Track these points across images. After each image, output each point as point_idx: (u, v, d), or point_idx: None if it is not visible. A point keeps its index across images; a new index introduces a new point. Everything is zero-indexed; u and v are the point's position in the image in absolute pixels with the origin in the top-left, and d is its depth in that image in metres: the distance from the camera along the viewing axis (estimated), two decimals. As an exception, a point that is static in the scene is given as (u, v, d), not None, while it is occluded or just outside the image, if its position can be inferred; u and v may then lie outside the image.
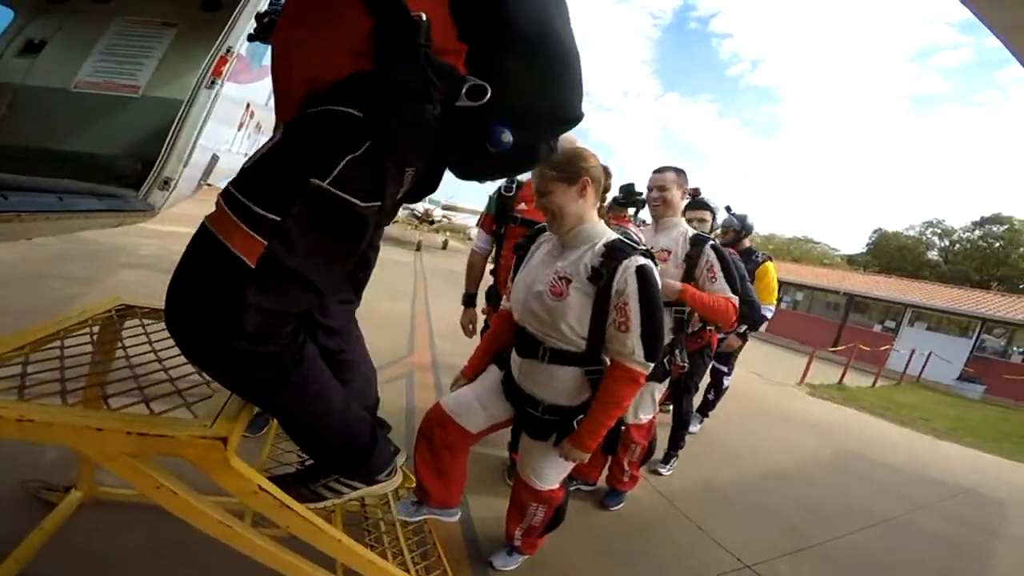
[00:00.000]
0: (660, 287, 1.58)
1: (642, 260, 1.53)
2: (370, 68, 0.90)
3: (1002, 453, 5.98)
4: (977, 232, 33.05)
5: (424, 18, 0.87)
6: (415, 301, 7.59)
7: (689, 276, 2.32)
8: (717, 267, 2.28)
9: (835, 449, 4.81)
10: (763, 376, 8.47)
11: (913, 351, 12.91)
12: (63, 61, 2.61)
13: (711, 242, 2.33)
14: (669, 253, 2.35)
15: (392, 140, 0.92)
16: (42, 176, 1.69)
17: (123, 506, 1.83)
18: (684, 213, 2.66)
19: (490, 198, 2.50)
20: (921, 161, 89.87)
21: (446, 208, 24.08)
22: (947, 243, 34.66)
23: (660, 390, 2.53)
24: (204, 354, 0.95)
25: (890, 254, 35.20)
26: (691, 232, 2.39)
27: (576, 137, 2.08)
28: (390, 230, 22.15)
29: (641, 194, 2.17)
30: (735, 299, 2.28)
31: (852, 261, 36.90)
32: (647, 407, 2.50)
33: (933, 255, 34.79)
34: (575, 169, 1.57)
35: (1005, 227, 31.63)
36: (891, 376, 12.17)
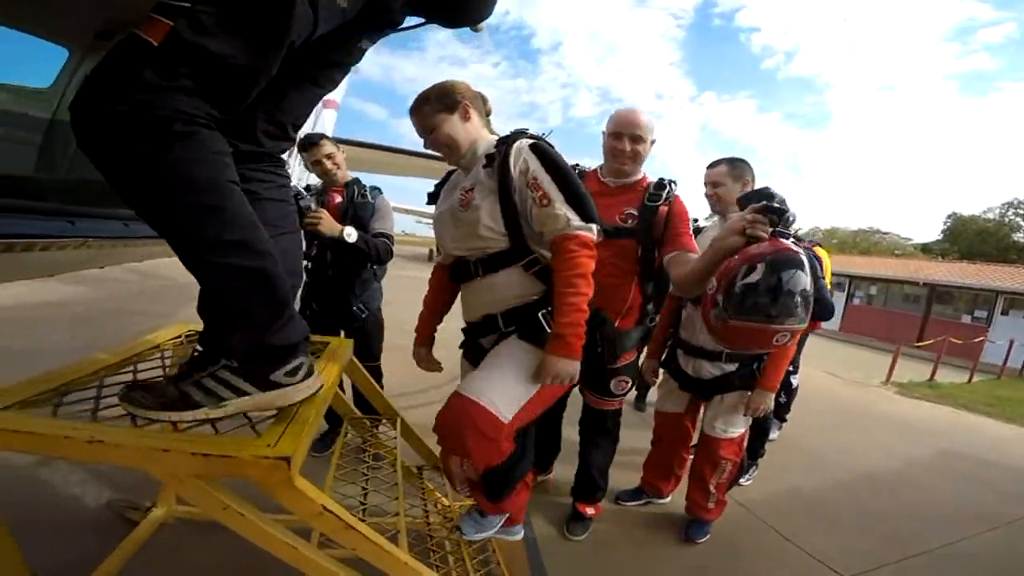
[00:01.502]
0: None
1: (531, 140, 1.47)
2: None
3: None
4: (1068, 212, 30.24)
5: None
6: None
7: None
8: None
9: (936, 450, 4.38)
10: (842, 377, 7.95)
11: (1012, 342, 11.75)
12: None
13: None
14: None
15: None
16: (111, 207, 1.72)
17: (201, 525, 1.88)
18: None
19: None
20: (987, 140, 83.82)
21: None
22: (1034, 224, 31.83)
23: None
24: (89, 129, 0.89)
25: (969, 239, 32.71)
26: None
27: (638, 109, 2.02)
28: (408, 249, 22.74)
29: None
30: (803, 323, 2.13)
31: (927, 250, 34.55)
32: (738, 420, 2.25)
33: (1019, 237, 32.08)
34: (451, 98, 1.49)
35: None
36: (988, 370, 11.06)
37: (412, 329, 1.93)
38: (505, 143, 1.46)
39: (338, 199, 2.61)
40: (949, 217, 35.93)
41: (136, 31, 0.87)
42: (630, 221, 1.94)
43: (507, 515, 1.66)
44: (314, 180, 2.82)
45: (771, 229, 1.42)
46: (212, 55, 0.89)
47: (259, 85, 1.00)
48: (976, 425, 5.75)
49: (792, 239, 2.17)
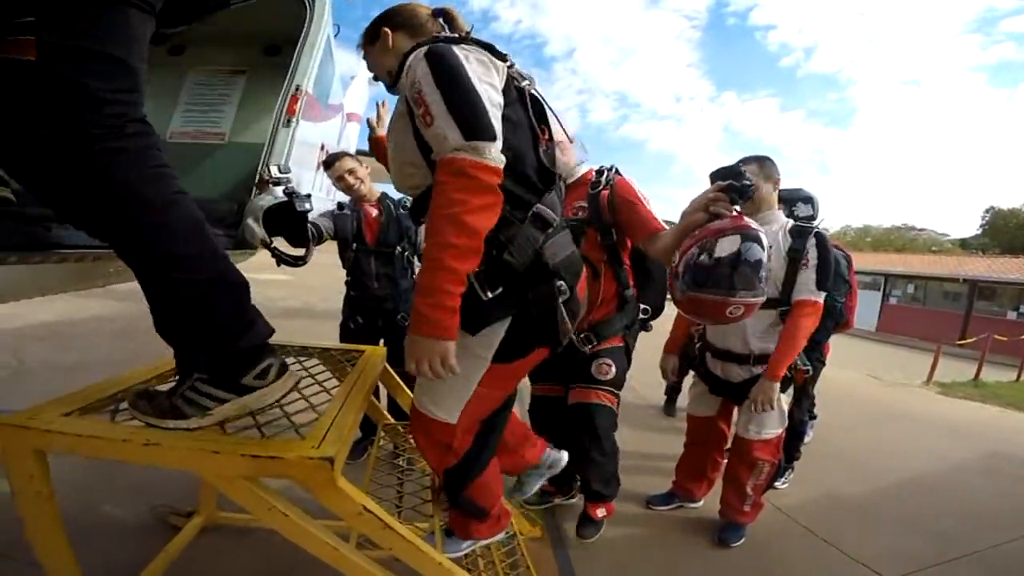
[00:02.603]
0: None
1: (436, 45, 1.14)
2: None
3: None
4: (1108, 204, 28.90)
5: None
6: None
7: (793, 272, 2.09)
8: (812, 255, 2.07)
9: (984, 451, 4.18)
10: (881, 378, 7.70)
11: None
12: (155, 113, 2.80)
13: (815, 231, 2.12)
14: (770, 247, 2.14)
15: None
16: None
17: (240, 530, 1.95)
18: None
19: None
20: (1021, 131, 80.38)
21: None
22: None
23: (787, 400, 2.24)
24: (19, 159, 0.93)
25: (1010, 233, 31.61)
26: (791, 223, 2.18)
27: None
28: None
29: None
30: (818, 297, 2.07)
31: (966, 245, 33.54)
32: (772, 421, 2.20)
33: (1063, 230, 30.66)
34: (372, 27, 1.35)
35: None
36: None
37: None
38: (409, 54, 1.16)
39: (374, 212, 2.66)
40: (987, 211, 35.02)
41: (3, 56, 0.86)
42: (580, 213, 1.97)
43: (476, 540, 1.59)
44: (342, 197, 2.90)
45: (734, 206, 1.43)
46: (96, 52, 0.91)
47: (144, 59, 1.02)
48: (1022, 423, 5.49)
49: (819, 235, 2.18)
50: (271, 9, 2.48)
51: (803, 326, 2.06)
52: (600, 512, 2.26)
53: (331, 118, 3.46)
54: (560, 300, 1.18)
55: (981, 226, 35.06)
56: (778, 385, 2.10)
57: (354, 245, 2.64)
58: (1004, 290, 16.25)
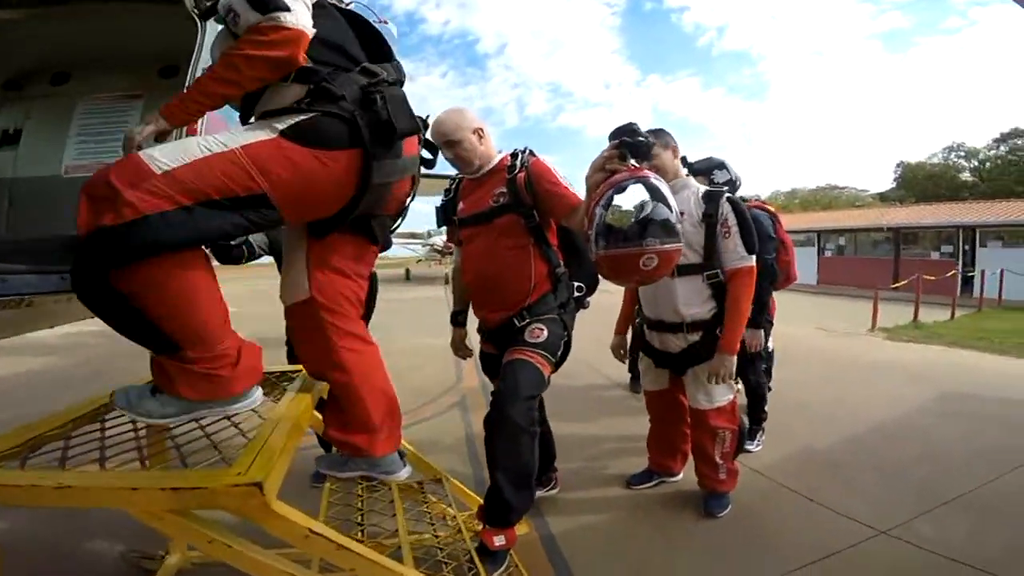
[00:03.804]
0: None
1: None
2: None
3: None
4: (1002, 148, 32.02)
5: None
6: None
7: (712, 236, 2.13)
8: (732, 221, 2.12)
9: (939, 392, 4.35)
10: (829, 329, 8.02)
11: (983, 272, 12.02)
12: (44, 148, 2.64)
13: (726, 195, 2.19)
14: (683, 215, 2.18)
15: None
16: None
17: (219, 567, 1.79)
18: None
19: (436, 210, 2.26)
20: (917, 92, 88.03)
21: None
22: (975, 163, 33.42)
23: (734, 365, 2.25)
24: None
25: (921, 184, 33.85)
26: (703, 189, 2.25)
27: None
28: (417, 270, 23.24)
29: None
30: (750, 262, 2.13)
31: (885, 198, 35.50)
32: (721, 388, 2.22)
33: (966, 177, 33.37)
34: None
35: (1027, 139, 30.39)
36: (968, 305, 11.28)
37: (395, 350, 1.92)
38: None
39: None
40: (898, 166, 37.20)
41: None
42: (501, 199, 1.94)
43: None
44: None
45: (631, 161, 1.44)
46: None
47: None
48: (970, 362, 5.79)
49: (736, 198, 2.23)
50: (163, 29, 2.35)
51: (744, 294, 2.11)
52: (497, 540, 1.77)
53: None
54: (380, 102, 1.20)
55: (895, 180, 37.25)
56: (734, 358, 2.13)
57: None
58: (924, 234, 17.51)
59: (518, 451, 1.76)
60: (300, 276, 1.35)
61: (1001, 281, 12.34)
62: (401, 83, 1.34)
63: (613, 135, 1.49)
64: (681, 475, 2.60)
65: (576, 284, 2.07)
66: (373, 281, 2.68)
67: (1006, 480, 2.60)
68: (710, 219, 2.13)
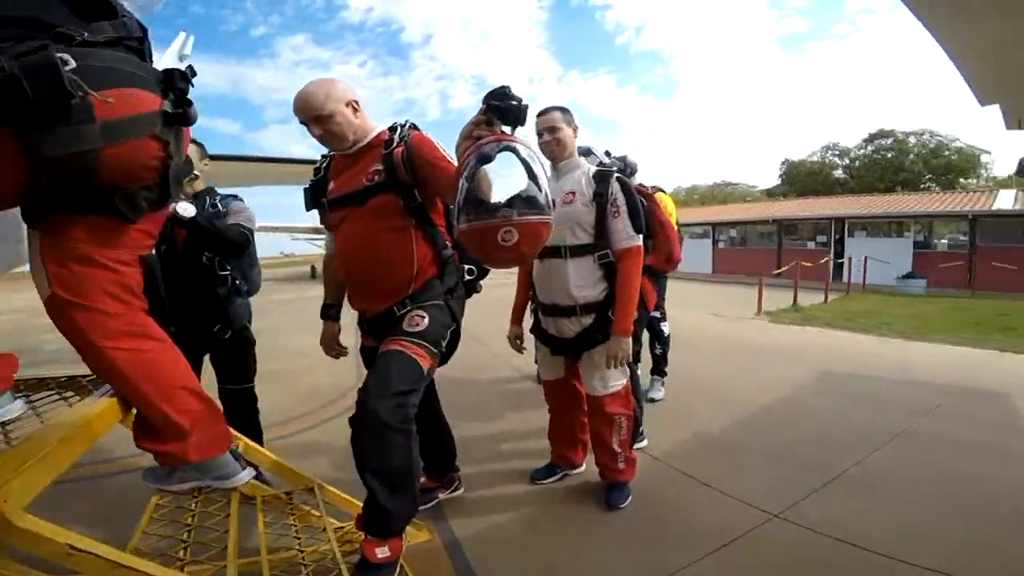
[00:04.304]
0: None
1: None
2: None
3: (971, 343, 6.03)
4: (869, 148, 35.61)
5: None
6: (356, 333, 7.15)
7: (603, 215, 2.12)
8: (621, 200, 2.11)
9: (816, 372, 4.68)
10: (722, 315, 8.49)
11: (850, 259, 13.43)
12: None
13: (615, 174, 2.14)
14: (574, 194, 2.15)
15: None
16: None
17: None
18: None
19: (304, 192, 1.93)
20: (804, 93, 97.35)
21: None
22: (847, 161, 37.02)
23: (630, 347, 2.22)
24: None
25: (802, 180, 37.09)
26: (594, 169, 2.20)
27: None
28: (288, 271, 21.83)
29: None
30: (637, 241, 2.11)
31: (771, 193, 38.69)
32: (614, 373, 2.18)
33: (839, 174, 36.96)
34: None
35: (891, 139, 34.41)
36: (839, 289, 12.52)
37: (291, 350, 1.64)
38: None
39: None
40: (783, 163, 40.55)
41: None
42: (377, 177, 1.72)
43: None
44: None
45: (503, 127, 1.34)
46: None
47: None
48: (841, 341, 6.32)
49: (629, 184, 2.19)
50: None
51: (633, 273, 2.09)
52: (380, 552, 1.59)
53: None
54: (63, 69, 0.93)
55: (780, 176, 40.65)
56: (629, 340, 2.11)
57: (162, 248, 2.18)
58: (803, 225, 19.26)
59: (388, 452, 1.55)
60: (39, 275, 1.13)
61: (865, 267, 13.89)
62: (123, 42, 1.11)
63: (485, 99, 1.33)
64: (584, 466, 2.59)
65: (467, 267, 1.89)
66: (245, 279, 2.37)
67: (879, 456, 2.79)
68: (600, 198, 2.10)
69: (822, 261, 12.87)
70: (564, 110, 2.20)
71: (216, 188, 2.41)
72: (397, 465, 1.57)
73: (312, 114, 1.64)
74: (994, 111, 3.79)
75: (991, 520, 2.14)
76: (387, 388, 1.54)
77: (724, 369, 4.86)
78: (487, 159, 1.28)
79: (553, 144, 2.18)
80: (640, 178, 2.97)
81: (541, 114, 2.20)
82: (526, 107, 1.32)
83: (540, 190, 1.30)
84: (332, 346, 2.12)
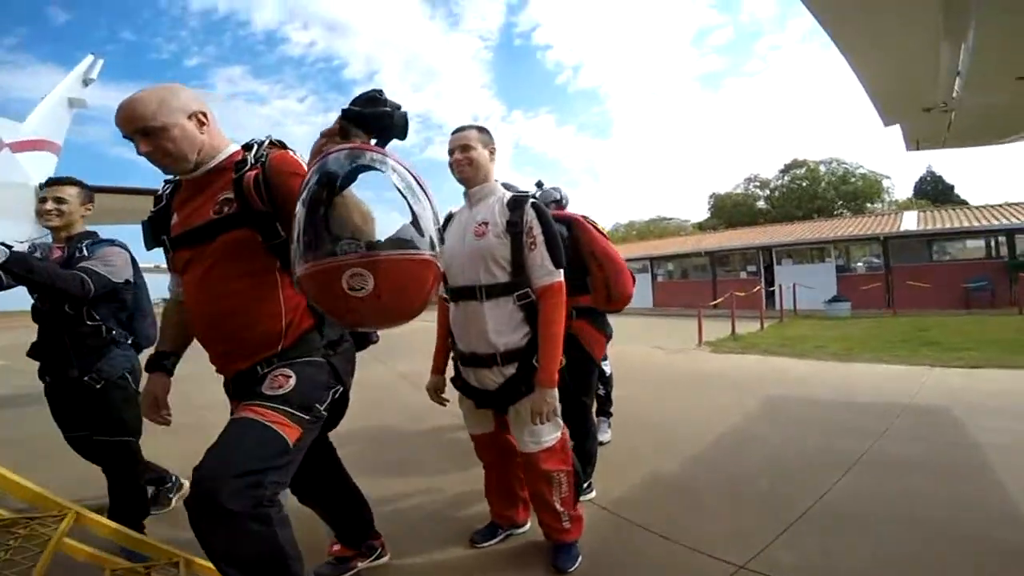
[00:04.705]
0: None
1: None
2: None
3: (902, 360, 6.23)
4: (786, 177, 38.36)
5: None
6: None
7: (519, 248, 1.84)
8: (537, 229, 1.84)
9: (762, 399, 4.62)
10: (664, 347, 8.50)
11: (780, 286, 14.02)
12: None
13: (531, 200, 1.89)
14: (487, 225, 1.88)
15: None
16: None
17: None
18: None
19: (143, 226, 1.57)
20: (724, 127, 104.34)
21: None
22: (768, 192, 39.63)
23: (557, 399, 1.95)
24: None
25: (729, 212, 39.35)
26: (508, 195, 1.94)
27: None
28: None
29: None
30: (558, 277, 1.85)
31: (702, 227, 40.57)
32: (547, 427, 1.91)
33: (761, 204, 39.43)
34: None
35: (804, 169, 37.29)
36: (774, 316, 12.95)
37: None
38: None
39: (56, 254, 2.22)
40: (711, 196, 42.95)
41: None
42: (227, 208, 1.38)
43: None
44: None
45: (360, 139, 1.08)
46: None
47: None
48: (782, 367, 6.39)
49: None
50: None
51: (555, 315, 1.83)
52: None
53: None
54: None
55: (709, 209, 42.91)
56: (555, 391, 1.84)
57: (34, 295, 2.18)
58: (733, 256, 20.10)
59: (240, 542, 1.20)
60: None
61: (794, 294, 14.51)
62: None
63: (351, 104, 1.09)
64: (528, 525, 2.29)
65: None
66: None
67: (842, 487, 2.65)
68: (515, 228, 1.83)
69: (754, 290, 13.32)
70: (481, 129, 1.98)
71: (98, 232, 2.30)
72: (256, 554, 1.22)
73: (138, 126, 1.30)
74: (894, 133, 3.93)
75: (968, 543, 2.05)
76: (230, 466, 1.19)
77: (671, 403, 4.72)
78: (330, 177, 1.01)
79: (465, 164, 1.92)
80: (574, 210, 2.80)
81: (455, 132, 1.97)
82: (400, 114, 1.07)
83: (415, 217, 1.04)
84: (155, 408, 1.60)
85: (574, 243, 2.41)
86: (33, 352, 2.23)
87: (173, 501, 2.62)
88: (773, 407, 4.39)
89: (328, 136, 1.06)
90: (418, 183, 1.08)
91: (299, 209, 1.02)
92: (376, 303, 0.99)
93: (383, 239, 1.03)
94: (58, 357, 2.14)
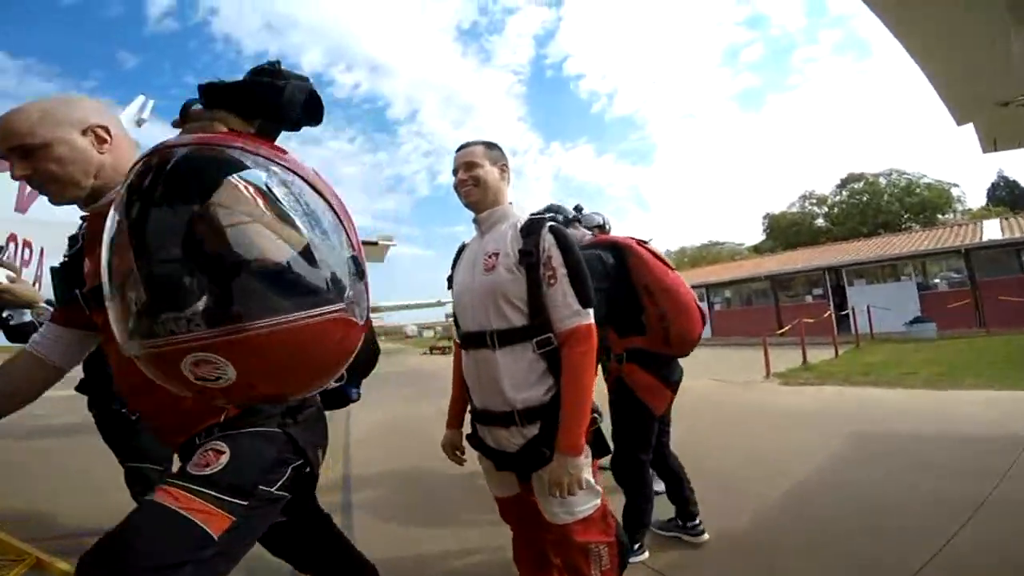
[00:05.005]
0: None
1: None
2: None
3: (1011, 385, 5.48)
4: (844, 192, 36.58)
5: None
6: (332, 416, 6.74)
7: (535, 281, 1.48)
8: (558, 259, 1.46)
9: (849, 436, 4.06)
10: (726, 380, 7.91)
11: (853, 308, 12.96)
12: None
13: (549, 223, 1.53)
14: (497, 256, 1.54)
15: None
16: None
17: None
18: None
19: (51, 274, 1.33)
20: (773, 145, 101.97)
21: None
22: (826, 209, 37.80)
23: (588, 466, 1.54)
24: None
25: (785, 232, 37.68)
26: (523, 219, 1.59)
27: None
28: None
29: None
30: (586, 319, 1.46)
31: (757, 249, 39.14)
32: (582, 496, 1.49)
33: (820, 222, 37.56)
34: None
35: (862, 182, 35.46)
36: (848, 341, 11.94)
37: None
38: None
39: None
40: (765, 217, 41.37)
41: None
42: None
43: None
44: None
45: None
46: None
47: None
48: (865, 399, 5.74)
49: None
50: None
51: (583, 365, 1.44)
52: None
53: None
54: None
55: (764, 231, 41.40)
56: (582, 458, 1.45)
57: None
58: (796, 279, 18.94)
59: None
60: None
61: (869, 316, 13.36)
62: None
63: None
64: None
65: None
66: None
67: (964, 540, 2.19)
68: (529, 258, 1.47)
69: (825, 315, 12.32)
70: (489, 144, 1.68)
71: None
72: None
73: (12, 143, 1.07)
74: (959, 139, 3.55)
75: None
76: (125, 560, 0.92)
77: (737, 444, 4.21)
78: (143, 196, 0.71)
79: (470, 185, 1.61)
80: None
81: (459, 149, 1.70)
82: (296, 86, 0.79)
83: (308, 251, 0.75)
84: None
85: (625, 273, 2.13)
86: (81, 387, 2.36)
87: None
88: (864, 446, 3.83)
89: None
90: (322, 197, 0.77)
91: (103, 252, 0.73)
92: (251, 392, 0.73)
93: (246, 294, 0.69)
94: (101, 392, 2.31)
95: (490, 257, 1.54)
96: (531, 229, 1.51)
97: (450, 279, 1.74)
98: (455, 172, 1.65)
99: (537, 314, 1.47)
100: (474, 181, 1.61)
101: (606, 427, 1.61)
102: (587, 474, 1.46)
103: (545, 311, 1.47)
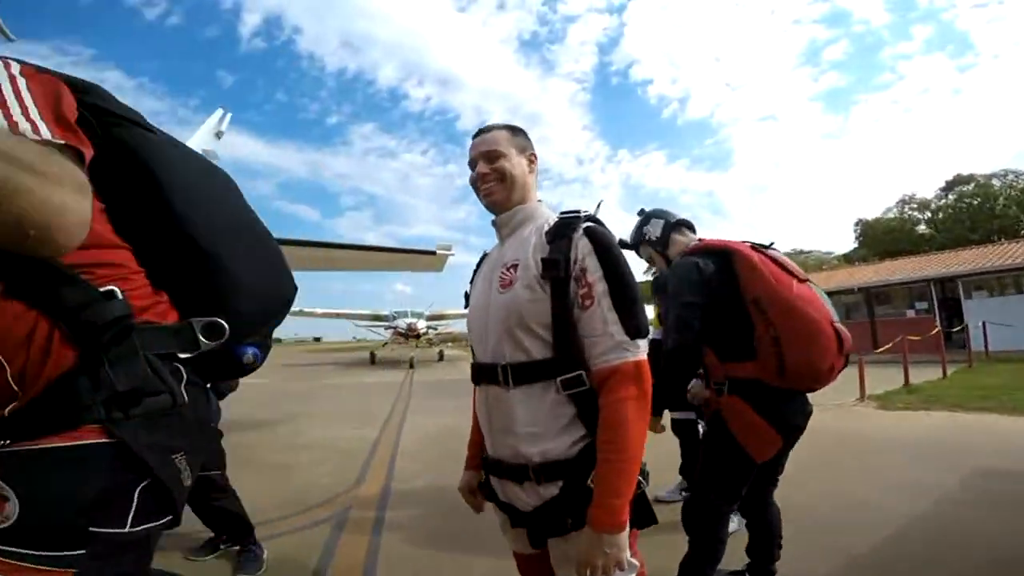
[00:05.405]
0: None
1: None
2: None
3: None
4: (950, 196, 33.43)
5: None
6: (387, 422, 7.23)
7: (562, 298, 1.12)
8: (596, 273, 1.10)
9: (966, 472, 3.50)
10: (816, 402, 7.04)
11: (966, 325, 11.53)
12: None
13: (585, 223, 1.17)
14: (515, 268, 1.20)
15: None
16: None
17: None
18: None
19: None
20: (864, 148, 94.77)
21: (431, 319, 25.70)
22: (928, 214, 34.71)
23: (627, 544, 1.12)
24: None
25: (881, 240, 34.81)
26: (553, 218, 1.25)
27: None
28: (383, 353, 23.33)
29: None
30: (636, 354, 1.09)
31: (848, 259, 36.33)
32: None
33: (922, 229, 34.50)
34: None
35: (972, 185, 32.31)
36: (957, 360, 10.65)
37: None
38: None
39: None
40: (857, 224, 38.48)
41: None
42: None
43: None
44: None
45: None
46: None
47: None
48: (983, 428, 5.02)
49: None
50: None
51: (630, 414, 1.06)
52: None
53: None
54: None
55: (856, 239, 38.42)
56: (622, 536, 1.07)
57: None
58: (895, 291, 17.29)
59: None
60: None
61: (984, 333, 11.87)
62: None
63: None
64: None
65: (200, 324, 0.89)
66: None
67: None
68: (555, 271, 1.11)
69: (932, 332, 11.00)
70: (515, 129, 1.34)
71: None
72: None
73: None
74: None
75: None
76: None
77: (825, 478, 3.65)
78: None
79: (493, 181, 1.27)
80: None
81: (476, 134, 1.34)
82: None
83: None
84: None
85: (732, 283, 1.81)
86: None
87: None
88: (985, 484, 3.29)
89: None
90: None
91: None
92: None
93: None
94: None
95: (508, 270, 1.21)
96: (560, 232, 1.16)
97: (467, 296, 1.40)
98: (472, 164, 1.32)
99: (565, 345, 1.13)
100: (498, 176, 1.27)
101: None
102: (627, 553, 1.10)
103: (576, 341, 1.13)
